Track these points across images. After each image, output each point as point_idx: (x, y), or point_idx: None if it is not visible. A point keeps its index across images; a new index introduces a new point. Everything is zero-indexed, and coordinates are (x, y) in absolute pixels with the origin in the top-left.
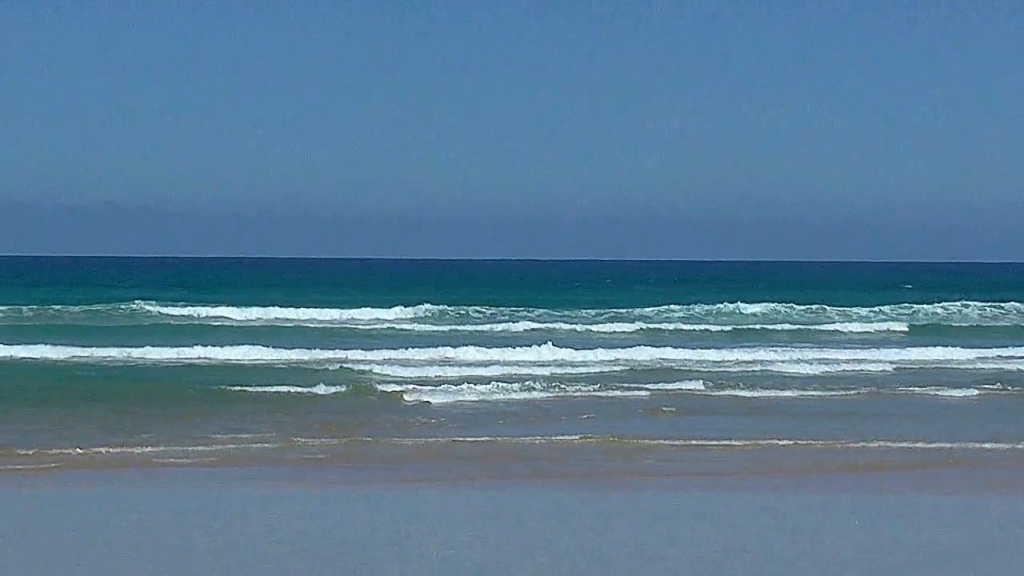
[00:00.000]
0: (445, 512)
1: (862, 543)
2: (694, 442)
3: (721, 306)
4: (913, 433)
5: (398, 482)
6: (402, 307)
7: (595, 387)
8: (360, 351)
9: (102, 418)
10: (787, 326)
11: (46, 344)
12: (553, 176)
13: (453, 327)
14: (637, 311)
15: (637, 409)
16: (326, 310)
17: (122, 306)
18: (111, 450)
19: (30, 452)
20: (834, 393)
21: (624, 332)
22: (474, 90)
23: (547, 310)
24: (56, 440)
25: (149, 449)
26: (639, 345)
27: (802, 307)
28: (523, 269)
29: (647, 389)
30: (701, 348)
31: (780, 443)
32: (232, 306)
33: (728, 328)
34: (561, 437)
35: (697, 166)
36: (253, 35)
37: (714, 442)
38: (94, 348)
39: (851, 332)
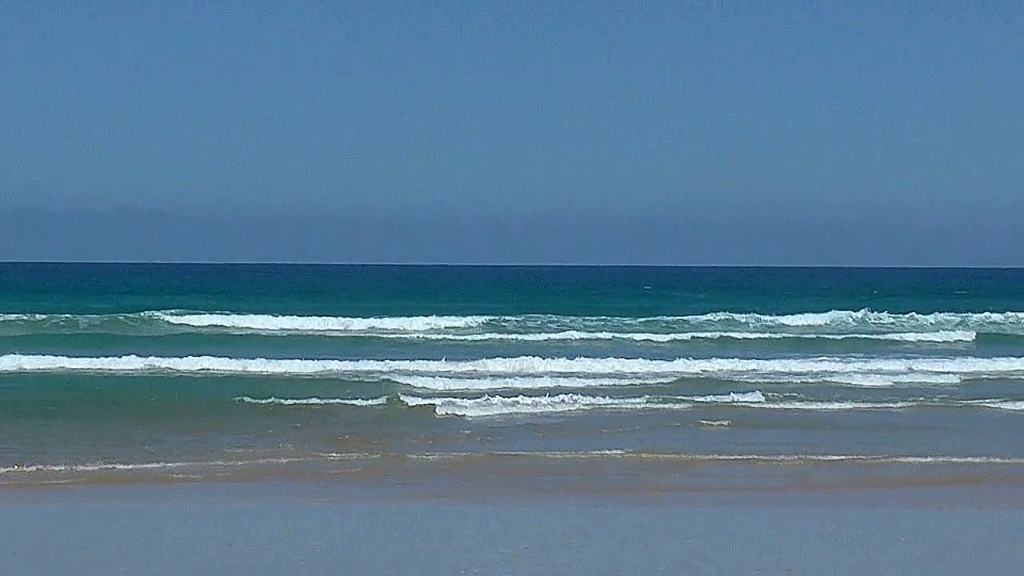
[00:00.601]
0: (474, 529)
1: (905, 561)
2: (737, 456)
3: (768, 317)
4: (966, 447)
5: (425, 497)
6: (435, 316)
7: (640, 399)
8: (390, 361)
9: (117, 431)
10: (840, 335)
11: (60, 356)
12: (573, 179)
13: (490, 335)
14: (681, 319)
15: (677, 422)
16: (356, 319)
17: (142, 314)
18: (126, 466)
19: (42, 467)
20: (893, 405)
21: (669, 341)
22: (472, 91)
23: (584, 318)
24: (71, 453)
25: (167, 464)
26: (686, 355)
27: (858, 314)
28: (551, 275)
29: (693, 401)
30: (754, 358)
31: (828, 458)
32: (258, 314)
33: (778, 337)
34: (600, 452)
35: (724, 168)
36: (272, 35)
37: (758, 456)
38: (111, 358)
39: (918, 341)
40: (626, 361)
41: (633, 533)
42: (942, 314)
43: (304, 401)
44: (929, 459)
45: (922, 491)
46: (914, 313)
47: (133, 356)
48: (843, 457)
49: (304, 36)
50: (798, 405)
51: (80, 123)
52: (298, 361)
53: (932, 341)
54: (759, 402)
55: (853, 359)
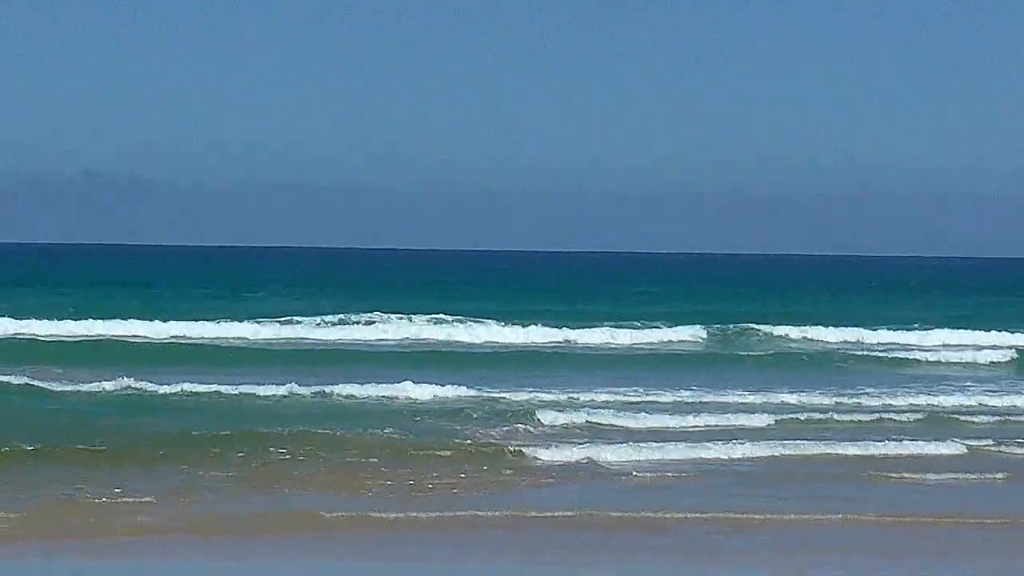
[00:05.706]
0: None
1: None
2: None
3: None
4: None
5: (492, 560)
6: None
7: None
8: (508, 391)
9: (107, 468)
10: None
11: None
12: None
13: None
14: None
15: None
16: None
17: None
18: (122, 517)
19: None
20: None
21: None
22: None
23: (826, 327)
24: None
25: (157, 515)
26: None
27: None
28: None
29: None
30: None
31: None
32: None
33: None
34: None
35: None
36: None
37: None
38: (102, 381)
39: None
40: (886, 393)
41: None
42: None
43: (380, 434)
44: None
45: None
46: None
47: (133, 377)
48: None
49: None
50: None
51: (27, 70)
52: (419, 386)
53: None
54: None
55: None
